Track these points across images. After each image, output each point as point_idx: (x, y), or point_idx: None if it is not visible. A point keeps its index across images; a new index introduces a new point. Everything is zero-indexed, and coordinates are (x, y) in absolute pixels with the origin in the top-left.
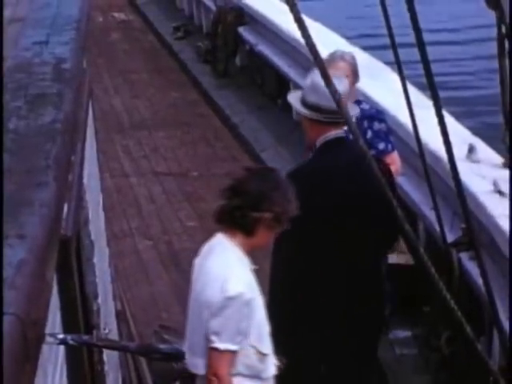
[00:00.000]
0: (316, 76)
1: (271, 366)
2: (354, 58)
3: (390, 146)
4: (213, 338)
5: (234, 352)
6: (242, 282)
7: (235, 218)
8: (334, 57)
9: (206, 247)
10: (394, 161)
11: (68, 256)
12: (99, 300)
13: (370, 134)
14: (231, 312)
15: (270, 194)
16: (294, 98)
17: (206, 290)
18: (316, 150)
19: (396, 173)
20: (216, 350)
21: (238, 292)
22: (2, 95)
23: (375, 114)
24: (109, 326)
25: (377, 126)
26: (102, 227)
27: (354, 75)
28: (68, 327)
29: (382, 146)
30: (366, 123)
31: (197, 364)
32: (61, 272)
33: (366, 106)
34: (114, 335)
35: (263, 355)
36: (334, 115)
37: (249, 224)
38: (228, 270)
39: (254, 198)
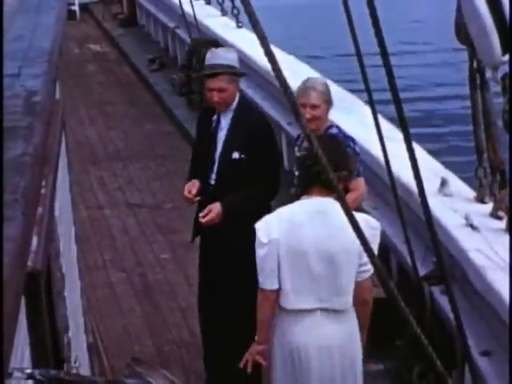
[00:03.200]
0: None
1: None
2: (325, 86)
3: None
4: (368, 267)
5: None
6: None
7: (321, 180)
8: (305, 86)
9: (309, 214)
10: (358, 187)
11: (38, 289)
12: (70, 333)
13: None
14: (378, 240)
15: (343, 156)
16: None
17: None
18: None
19: (356, 200)
20: (370, 276)
21: (378, 224)
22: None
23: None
24: (80, 360)
25: None
26: (74, 260)
27: (327, 103)
28: (37, 361)
29: None
30: None
31: (347, 300)
32: (30, 305)
33: (334, 131)
34: (85, 368)
35: None
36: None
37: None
38: (358, 214)
39: (334, 162)
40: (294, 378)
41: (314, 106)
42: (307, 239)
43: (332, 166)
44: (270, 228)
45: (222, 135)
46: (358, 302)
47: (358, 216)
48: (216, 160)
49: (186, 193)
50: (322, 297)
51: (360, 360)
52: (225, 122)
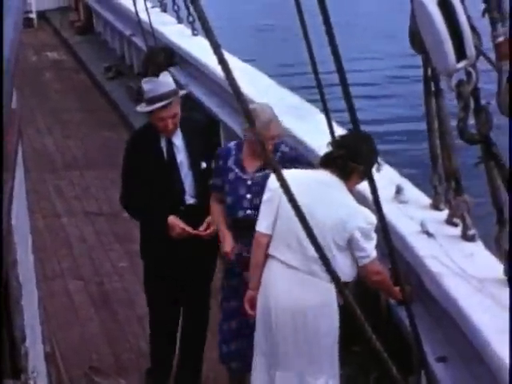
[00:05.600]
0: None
1: None
2: (271, 109)
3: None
4: (366, 253)
5: None
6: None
7: (337, 164)
8: (261, 122)
9: (311, 181)
10: None
11: None
12: (27, 343)
13: None
14: (374, 234)
15: (365, 151)
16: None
17: (348, 220)
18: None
19: None
20: (373, 261)
21: (375, 219)
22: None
23: (296, 157)
24: (37, 369)
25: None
26: (31, 269)
27: (279, 124)
28: None
29: None
30: (288, 166)
31: (321, 269)
32: None
33: (285, 149)
34: (42, 378)
35: None
36: None
37: (347, 171)
38: (358, 205)
39: (354, 152)
40: (267, 330)
41: (274, 137)
42: (301, 200)
43: (352, 154)
44: None
45: (182, 153)
46: (369, 283)
47: (359, 208)
48: (184, 179)
49: (184, 230)
50: (300, 258)
51: (324, 337)
52: (178, 140)
